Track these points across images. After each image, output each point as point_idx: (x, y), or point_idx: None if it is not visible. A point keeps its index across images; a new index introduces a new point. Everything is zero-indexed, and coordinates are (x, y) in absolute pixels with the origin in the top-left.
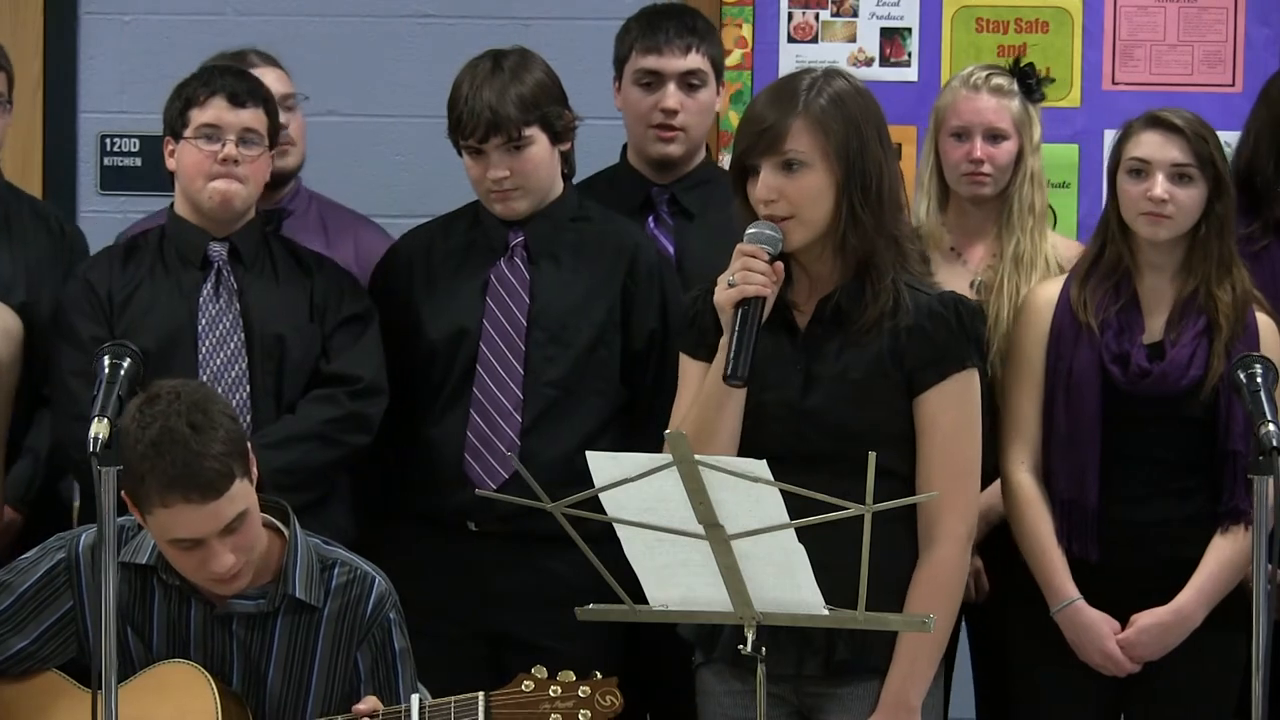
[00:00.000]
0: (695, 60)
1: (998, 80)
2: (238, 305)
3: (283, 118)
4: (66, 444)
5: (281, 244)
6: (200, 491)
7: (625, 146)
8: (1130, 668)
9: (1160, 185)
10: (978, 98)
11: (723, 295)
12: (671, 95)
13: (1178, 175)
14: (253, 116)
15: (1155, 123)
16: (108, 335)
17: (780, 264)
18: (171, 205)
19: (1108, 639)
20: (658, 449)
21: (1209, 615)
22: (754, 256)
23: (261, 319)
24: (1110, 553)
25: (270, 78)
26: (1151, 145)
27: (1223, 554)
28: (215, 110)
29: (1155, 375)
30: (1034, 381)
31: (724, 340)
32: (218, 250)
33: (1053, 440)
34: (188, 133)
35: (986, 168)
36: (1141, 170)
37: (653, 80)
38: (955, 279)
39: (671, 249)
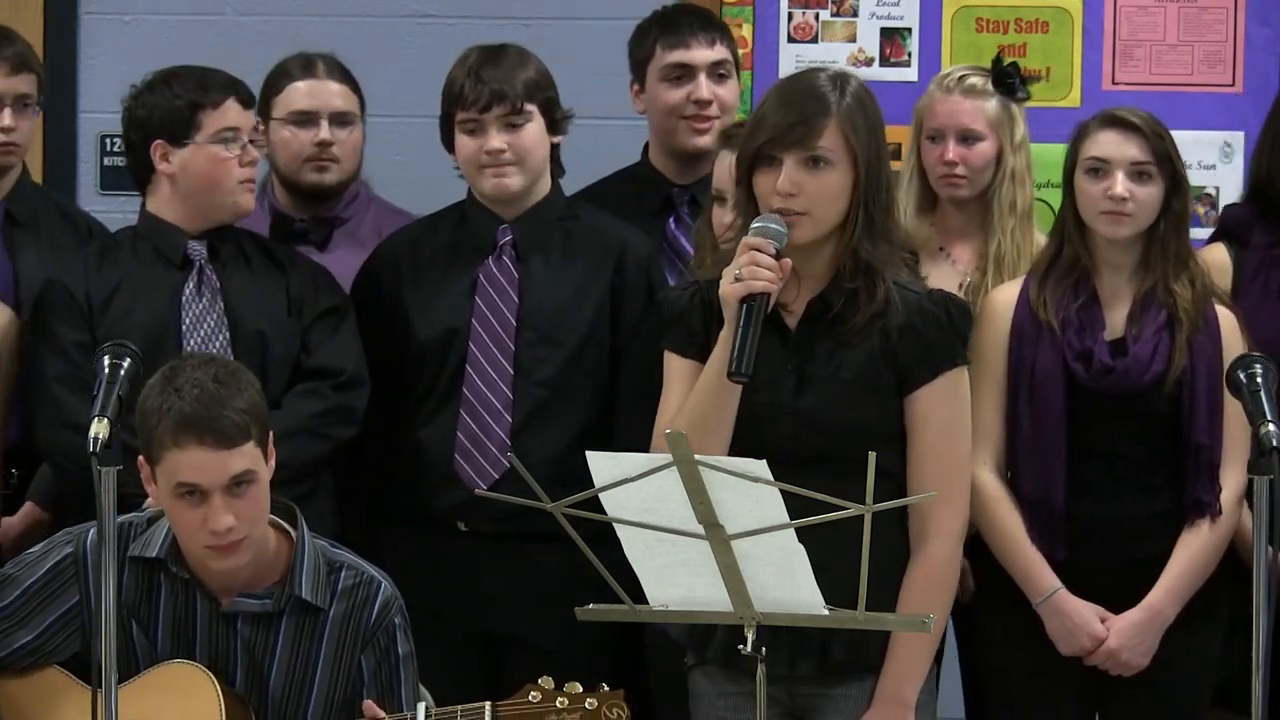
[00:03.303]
0: (722, 51)
1: (971, 80)
2: (221, 303)
3: (337, 133)
4: (52, 451)
5: (253, 240)
6: (215, 436)
7: (646, 147)
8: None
9: (1120, 184)
10: (950, 99)
11: (729, 289)
12: (704, 85)
13: (1137, 173)
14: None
15: (1112, 121)
16: (89, 338)
17: (788, 260)
18: (143, 205)
19: (1093, 622)
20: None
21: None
22: (761, 251)
23: (243, 316)
24: (1078, 551)
25: (334, 90)
26: (1110, 144)
27: (1191, 549)
28: (235, 114)
29: (1118, 371)
30: (995, 383)
31: (725, 334)
32: (197, 248)
33: (1017, 441)
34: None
35: (960, 169)
36: (1100, 169)
37: (683, 73)
38: (945, 279)
39: (692, 250)
